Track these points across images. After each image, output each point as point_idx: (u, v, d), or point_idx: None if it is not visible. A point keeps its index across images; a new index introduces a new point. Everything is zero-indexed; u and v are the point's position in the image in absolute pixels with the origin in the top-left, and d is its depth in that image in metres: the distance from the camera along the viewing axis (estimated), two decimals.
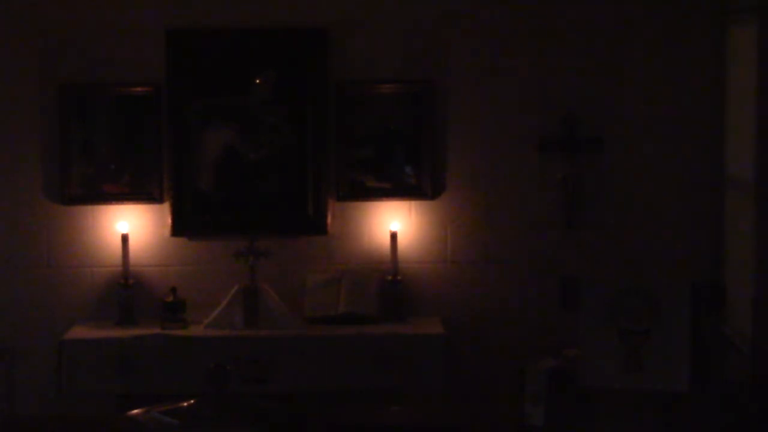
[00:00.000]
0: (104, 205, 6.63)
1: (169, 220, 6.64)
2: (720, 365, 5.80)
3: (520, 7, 6.60)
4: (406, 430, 4.80)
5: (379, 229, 6.65)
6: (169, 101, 6.59)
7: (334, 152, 6.64)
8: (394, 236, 6.56)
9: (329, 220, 6.66)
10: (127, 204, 6.63)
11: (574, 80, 6.62)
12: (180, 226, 6.65)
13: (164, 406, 4.82)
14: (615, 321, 5.24)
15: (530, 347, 6.26)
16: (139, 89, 6.60)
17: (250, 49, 6.60)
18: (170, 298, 6.45)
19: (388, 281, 6.55)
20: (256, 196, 6.66)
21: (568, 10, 6.61)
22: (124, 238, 6.53)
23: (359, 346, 6.26)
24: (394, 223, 6.60)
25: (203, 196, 6.66)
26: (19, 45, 6.59)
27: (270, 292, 6.44)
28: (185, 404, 4.83)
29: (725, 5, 6.48)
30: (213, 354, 5.98)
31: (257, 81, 6.61)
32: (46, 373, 6.36)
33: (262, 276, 6.47)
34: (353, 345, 6.26)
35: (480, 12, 6.61)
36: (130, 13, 6.59)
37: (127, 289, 6.52)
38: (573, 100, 6.62)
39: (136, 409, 4.87)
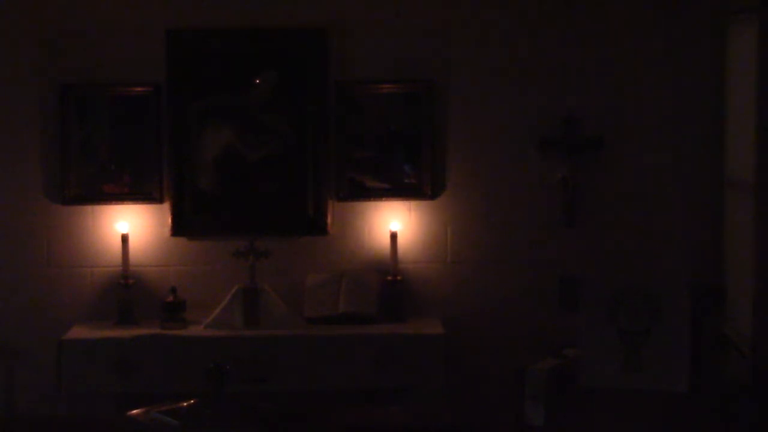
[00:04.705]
0: (104, 205, 6.63)
1: (169, 220, 6.64)
2: (720, 365, 5.80)
3: (520, 8, 6.61)
4: (406, 430, 4.80)
5: (379, 229, 6.65)
6: (169, 101, 6.59)
7: (334, 152, 6.64)
8: (394, 236, 6.56)
9: (329, 220, 6.66)
10: (127, 204, 6.63)
11: (574, 80, 6.62)
12: (180, 226, 6.65)
13: (164, 406, 4.83)
14: (615, 321, 5.24)
15: (530, 347, 6.27)
16: (139, 89, 6.60)
17: (250, 49, 6.60)
18: (170, 298, 6.45)
19: (388, 281, 6.55)
20: (256, 196, 6.66)
21: (568, 10, 6.61)
22: (124, 238, 6.53)
23: (359, 346, 6.25)
24: (394, 223, 6.60)
25: (203, 196, 6.66)
26: (19, 45, 6.59)
27: (270, 292, 6.44)
28: (185, 404, 4.84)
29: (725, 5, 6.47)
30: (213, 354, 5.97)
31: (257, 81, 6.61)
32: (46, 373, 6.35)
33: (262, 276, 6.47)
34: (353, 345, 6.26)
35: (480, 12, 6.61)
36: (130, 13, 6.59)
37: (127, 289, 6.52)
38: (573, 100, 6.62)
39: (136, 409, 4.88)
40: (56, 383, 6.24)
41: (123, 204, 6.63)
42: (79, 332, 6.39)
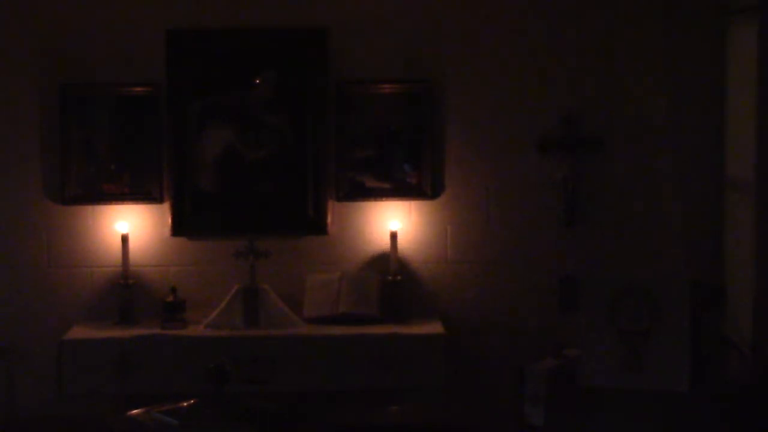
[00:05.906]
0: (104, 205, 6.63)
1: (169, 220, 6.64)
2: (720, 365, 5.80)
3: (520, 8, 6.60)
4: (406, 430, 4.80)
5: (379, 229, 6.65)
6: (169, 101, 6.59)
7: (334, 152, 6.64)
8: (394, 236, 6.56)
9: (329, 220, 6.66)
10: (127, 204, 6.63)
11: (574, 80, 6.62)
12: (180, 226, 6.65)
13: (164, 406, 4.83)
14: (615, 321, 5.24)
15: (530, 347, 6.27)
16: (139, 89, 6.60)
17: (250, 49, 6.60)
18: (170, 298, 6.45)
19: (388, 281, 6.55)
20: (256, 196, 6.66)
21: (568, 10, 6.60)
22: (124, 238, 6.52)
23: (359, 346, 6.25)
24: (394, 223, 6.59)
25: (203, 196, 6.66)
26: (19, 45, 6.59)
27: (270, 292, 6.43)
28: (185, 404, 4.84)
29: (725, 5, 6.48)
30: (213, 354, 5.97)
31: (257, 81, 6.61)
32: (46, 373, 6.35)
33: (262, 276, 6.47)
34: (353, 345, 6.25)
35: (480, 12, 6.61)
36: (130, 13, 6.59)
37: (127, 289, 6.52)
38: (573, 100, 6.62)
39: (136, 409, 4.88)
40: (56, 383, 6.24)
41: (123, 204, 6.63)
42: (79, 332, 6.39)
